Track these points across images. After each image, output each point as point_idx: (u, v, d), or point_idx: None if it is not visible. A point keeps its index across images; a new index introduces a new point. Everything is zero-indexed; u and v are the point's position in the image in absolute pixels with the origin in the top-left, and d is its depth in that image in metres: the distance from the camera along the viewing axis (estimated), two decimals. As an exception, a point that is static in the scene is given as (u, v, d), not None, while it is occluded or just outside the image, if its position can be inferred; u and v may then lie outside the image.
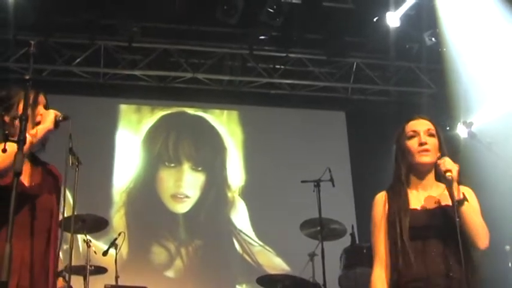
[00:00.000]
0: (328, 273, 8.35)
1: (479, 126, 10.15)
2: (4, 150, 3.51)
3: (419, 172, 4.06)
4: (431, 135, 4.06)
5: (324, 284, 8.31)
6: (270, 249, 11.93)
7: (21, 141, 3.32)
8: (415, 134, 4.06)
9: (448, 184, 3.80)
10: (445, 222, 3.82)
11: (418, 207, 3.95)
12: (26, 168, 3.84)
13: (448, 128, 11.05)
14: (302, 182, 9.07)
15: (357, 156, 12.57)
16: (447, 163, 3.85)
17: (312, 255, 8.75)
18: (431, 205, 3.95)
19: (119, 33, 11.50)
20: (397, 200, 3.99)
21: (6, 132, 3.60)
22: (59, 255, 4.02)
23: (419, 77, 12.66)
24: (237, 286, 11.54)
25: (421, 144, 4.00)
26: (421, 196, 4.01)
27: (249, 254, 11.89)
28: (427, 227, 3.85)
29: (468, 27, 10.38)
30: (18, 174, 3.19)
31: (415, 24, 11.21)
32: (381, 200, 4.10)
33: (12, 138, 3.52)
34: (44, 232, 3.88)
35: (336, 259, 8.75)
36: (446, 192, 3.91)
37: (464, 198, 3.78)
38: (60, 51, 11.87)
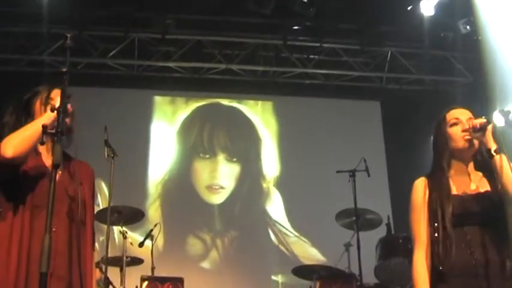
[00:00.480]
0: (364, 264, 8.31)
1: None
2: (42, 143, 3.54)
3: (461, 159, 4.05)
4: None
5: (360, 275, 8.28)
6: (306, 240, 11.92)
7: (58, 133, 3.34)
8: (458, 121, 4.06)
9: (481, 131, 3.88)
10: (485, 207, 3.81)
11: (460, 193, 3.94)
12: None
13: (483, 117, 10.94)
14: (337, 172, 9.05)
15: (392, 145, 12.50)
16: (478, 121, 3.95)
17: (347, 246, 8.72)
18: (471, 191, 3.94)
19: (153, 26, 11.56)
20: (438, 186, 3.97)
21: (44, 125, 3.60)
22: (94, 246, 4.06)
23: (454, 65, 12.54)
24: (272, 277, 11.54)
25: (464, 130, 4.00)
26: (462, 182, 3.99)
27: (284, 245, 11.89)
28: (469, 214, 3.83)
29: (503, 15, 10.27)
30: (56, 166, 3.22)
31: (450, 13, 11.12)
32: (421, 185, 4.07)
33: (50, 131, 3.53)
34: (77, 222, 3.89)
35: (371, 249, 8.70)
36: (486, 180, 3.92)
37: (499, 150, 3.81)
38: (95, 44, 11.95)
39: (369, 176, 8.87)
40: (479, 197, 3.89)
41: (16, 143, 3.65)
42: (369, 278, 8.56)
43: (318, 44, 12.22)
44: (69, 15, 10.98)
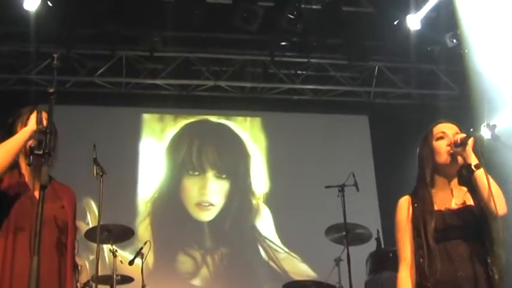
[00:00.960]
0: (355, 278, 8.32)
1: (502, 128, 10.08)
2: (29, 164, 3.55)
3: (444, 173, 4.06)
4: None
5: (351, 289, 8.30)
6: (296, 256, 11.91)
7: (46, 154, 3.34)
8: (444, 135, 4.08)
9: (462, 145, 3.89)
10: (467, 222, 3.84)
11: (442, 209, 3.95)
12: (35, 182, 3.91)
13: (471, 130, 10.97)
14: (326, 187, 9.08)
15: (381, 159, 12.52)
16: (459, 135, 3.97)
17: (337, 261, 8.73)
18: (454, 206, 3.96)
19: (140, 43, 11.57)
20: (422, 202, 3.99)
21: (32, 145, 3.61)
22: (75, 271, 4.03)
23: (441, 79, 12.60)
24: (263, 293, 11.54)
25: (448, 145, 4.01)
26: (444, 198, 4.01)
27: (274, 261, 11.88)
28: (451, 228, 3.85)
29: (489, 28, 10.32)
30: (44, 187, 3.21)
31: (436, 26, 11.18)
32: (404, 203, 4.10)
33: (37, 152, 3.53)
34: (59, 246, 3.88)
35: (361, 264, 8.72)
36: (469, 195, 3.94)
37: (479, 165, 3.82)
38: (82, 62, 11.96)
39: (357, 190, 8.90)
40: (461, 211, 3.91)
41: None
42: (360, 292, 8.58)
43: (306, 60, 12.24)
44: (56, 33, 10.96)
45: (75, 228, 4.09)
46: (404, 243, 3.99)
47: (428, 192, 4.01)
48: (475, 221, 3.79)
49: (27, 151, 3.76)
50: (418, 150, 4.23)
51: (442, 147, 4.03)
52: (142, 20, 11.10)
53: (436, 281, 3.76)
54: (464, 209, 3.92)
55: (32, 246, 3.10)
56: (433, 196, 4.01)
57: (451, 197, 4.00)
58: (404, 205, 4.10)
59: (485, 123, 10.02)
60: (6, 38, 11.32)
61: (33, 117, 3.86)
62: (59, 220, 3.88)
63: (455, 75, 12.32)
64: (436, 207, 3.95)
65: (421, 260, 3.85)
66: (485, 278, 3.72)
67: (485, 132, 9.86)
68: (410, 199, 4.09)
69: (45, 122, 3.72)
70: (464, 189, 4.03)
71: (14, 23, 10.69)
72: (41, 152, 3.43)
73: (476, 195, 3.87)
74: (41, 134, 3.62)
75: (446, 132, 4.09)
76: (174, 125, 12.68)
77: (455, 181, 4.07)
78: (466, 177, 4.01)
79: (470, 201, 3.93)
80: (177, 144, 12.50)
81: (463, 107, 11.47)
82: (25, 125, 3.94)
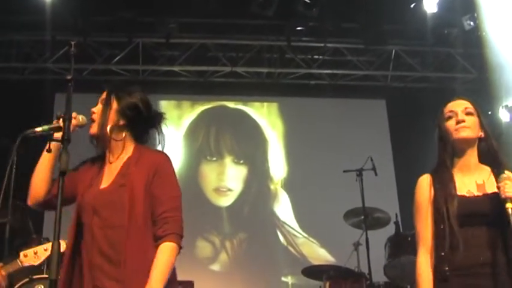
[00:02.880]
0: (373, 263, 8.32)
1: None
2: (49, 150, 3.57)
3: (461, 151, 3.96)
4: (469, 113, 3.98)
5: (369, 273, 8.28)
6: (314, 240, 11.92)
7: (65, 141, 3.35)
8: (453, 114, 3.99)
9: (507, 217, 3.63)
10: (492, 210, 3.72)
11: (465, 193, 3.84)
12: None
13: (489, 113, 10.95)
14: (344, 171, 9.06)
15: (399, 143, 12.49)
16: (508, 188, 3.69)
17: (356, 245, 8.73)
18: (478, 191, 3.85)
19: (157, 30, 11.57)
20: (443, 185, 3.87)
21: (52, 132, 3.61)
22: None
23: (459, 62, 12.52)
24: (282, 278, 11.55)
25: (458, 122, 3.93)
26: (467, 180, 3.91)
27: (293, 246, 11.90)
28: (474, 215, 3.74)
29: (506, 10, 10.26)
30: (63, 173, 3.21)
31: (453, 9, 11.11)
32: (425, 183, 3.98)
33: (56, 138, 3.54)
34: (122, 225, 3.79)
35: (380, 248, 8.69)
36: (493, 178, 3.85)
37: None
38: (99, 50, 11.98)
39: (376, 174, 8.88)
40: (484, 198, 3.81)
41: (29, 192, 3.81)
42: (379, 276, 8.57)
43: (322, 44, 12.20)
44: (73, 22, 10.99)
45: (157, 197, 3.96)
46: (424, 224, 3.88)
47: (450, 175, 3.91)
48: (498, 208, 3.67)
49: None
50: (436, 133, 4.14)
51: (451, 126, 3.96)
52: (158, 7, 11.11)
53: (457, 266, 3.69)
54: (487, 195, 3.81)
55: (55, 231, 3.10)
56: (455, 178, 3.91)
57: (474, 180, 3.90)
58: (425, 184, 3.97)
59: (503, 105, 9.98)
60: (23, 27, 11.34)
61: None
62: (117, 201, 3.74)
63: (473, 58, 12.26)
64: (458, 191, 3.84)
65: (443, 244, 3.74)
66: (505, 265, 3.66)
67: (503, 114, 9.82)
68: (431, 178, 3.97)
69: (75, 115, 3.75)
70: (486, 168, 3.95)
71: (30, 12, 10.73)
72: (59, 138, 3.44)
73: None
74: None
75: (454, 110, 4.00)
76: (191, 112, 12.70)
77: (475, 157, 3.98)
78: (487, 151, 3.96)
79: (493, 186, 3.80)
80: (194, 130, 12.52)
81: (481, 89, 11.43)
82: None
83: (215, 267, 11.61)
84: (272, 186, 12.27)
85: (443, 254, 3.75)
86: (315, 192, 11.90)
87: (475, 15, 10.97)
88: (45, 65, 11.78)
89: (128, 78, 12.31)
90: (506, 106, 10.07)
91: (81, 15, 11.00)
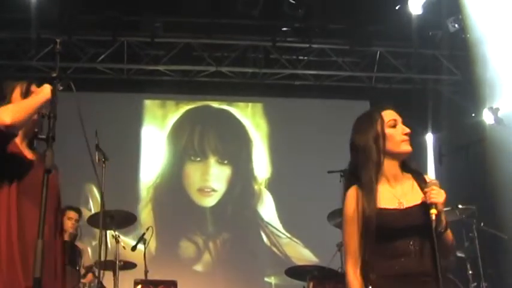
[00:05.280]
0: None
1: (505, 111, 10.10)
2: (34, 149, 3.55)
3: (394, 162, 3.89)
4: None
5: (353, 274, 8.30)
6: (298, 241, 11.95)
7: (50, 138, 3.34)
8: (396, 123, 3.92)
9: (431, 222, 3.64)
10: (419, 222, 3.69)
11: (392, 206, 3.79)
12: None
13: (473, 115, 11.00)
14: (329, 172, 9.05)
15: (382, 145, 12.51)
16: (434, 194, 3.70)
17: (339, 246, 8.73)
18: (406, 202, 3.79)
19: (141, 29, 11.54)
20: (369, 198, 3.77)
21: (36, 129, 3.62)
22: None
23: (443, 63, 12.57)
24: (265, 278, 11.57)
25: (406, 134, 3.87)
26: (395, 191, 3.85)
27: (276, 246, 11.92)
28: (401, 227, 3.70)
29: (491, 12, 10.30)
30: (49, 171, 3.21)
31: (438, 11, 11.14)
32: (352, 196, 3.87)
33: (40, 136, 3.54)
34: (52, 218, 3.82)
35: (364, 248, 8.70)
36: (416, 186, 3.84)
37: (447, 226, 3.71)
38: (84, 48, 11.94)
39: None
40: (412, 210, 3.76)
41: (15, 111, 3.68)
42: (362, 277, 8.58)
43: (307, 45, 12.19)
44: (57, 20, 10.96)
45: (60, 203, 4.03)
46: (351, 237, 3.81)
47: (375, 188, 3.80)
48: (425, 222, 3.64)
49: (29, 134, 3.77)
50: (355, 136, 4.09)
51: (396, 135, 3.87)
52: (143, 6, 11.10)
53: (384, 276, 3.68)
54: (415, 207, 3.77)
55: (38, 229, 3.08)
56: (381, 190, 3.82)
57: (400, 191, 3.84)
58: (352, 197, 3.87)
59: (487, 107, 10.01)
60: (7, 25, 11.29)
61: (47, 87, 3.86)
62: (54, 188, 3.82)
63: (457, 60, 12.31)
64: (384, 204, 3.78)
65: (370, 256, 3.72)
66: (433, 276, 3.64)
67: (487, 116, 9.85)
68: (357, 191, 3.86)
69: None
70: (410, 177, 3.91)
71: (14, 9, 10.68)
72: (45, 137, 3.43)
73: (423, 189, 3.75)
74: (43, 119, 3.63)
75: (396, 119, 3.94)
76: (175, 111, 12.70)
77: (398, 169, 3.91)
78: (409, 163, 3.93)
79: (418, 197, 3.78)
80: (178, 130, 12.53)
81: (466, 91, 11.49)
82: (24, 94, 3.96)
83: (198, 267, 11.62)
84: (256, 187, 12.28)
85: (369, 265, 3.73)
86: (299, 192, 11.92)
87: (460, 17, 11.01)
88: (30, 63, 11.72)
89: (113, 77, 12.30)
90: (491, 108, 10.10)
91: (66, 13, 10.96)
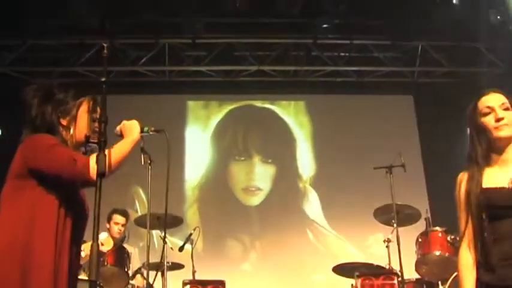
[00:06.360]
0: (405, 259, 8.28)
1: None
2: (85, 153, 3.59)
3: (498, 148, 3.87)
4: (506, 109, 3.86)
5: (401, 270, 8.25)
6: (344, 238, 11.90)
7: (102, 143, 3.38)
8: (490, 110, 3.87)
9: None
10: None
11: (498, 186, 3.76)
12: None
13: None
14: (375, 168, 9.00)
15: (427, 139, 12.44)
16: None
17: (387, 242, 8.69)
18: (507, 183, 3.75)
19: (182, 31, 11.61)
20: (472, 180, 3.83)
21: (88, 135, 3.64)
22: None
23: (486, 56, 12.44)
24: (313, 276, 11.54)
25: (498, 120, 3.81)
26: (502, 173, 3.82)
27: (323, 244, 11.90)
28: (506, 207, 3.68)
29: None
30: (102, 174, 3.24)
31: (480, 3, 11.04)
32: (459, 180, 3.95)
33: (92, 141, 3.57)
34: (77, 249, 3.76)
35: (411, 245, 8.65)
36: None
37: None
38: (126, 52, 12.05)
39: (405, 171, 8.82)
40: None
41: (112, 165, 3.57)
42: (410, 273, 8.53)
43: (348, 41, 12.17)
44: (99, 24, 11.07)
45: None
46: (461, 220, 3.88)
47: (478, 171, 3.84)
48: None
49: (81, 141, 3.76)
50: (468, 128, 4.06)
51: (489, 123, 3.84)
52: (183, 8, 11.15)
53: (491, 258, 3.66)
54: None
55: (94, 232, 3.10)
56: (487, 172, 3.83)
57: (508, 172, 3.80)
58: (459, 182, 3.95)
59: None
60: (50, 32, 11.42)
61: (136, 126, 4.04)
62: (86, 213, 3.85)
63: (501, 52, 12.18)
64: (490, 184, 3.77)
65: (477, 238, 3.73)
66: None
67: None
68: (465, 175, 3.93)
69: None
70: None
71: (57, 15, 10.81)
72: (96, 141, 3.47)
73: None
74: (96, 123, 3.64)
75: (491, 106, 3.87)
76: (218, 111, 12.75)
77: (510, 152, 3.88)
78: None
79: None
80: (222, 130, 12.58)
81: (509, 83, 11.36)
82: (91, 112, 3.89)
83: (246, 266, 11.65)
84: (301, 185, 12.27)
85: (479, 247, 3.73)
86: (344, 189, 11.89)
87: (502, 8, 10.90)
88: (73, 68, 11.81)
89: (155, 79, 12.39)
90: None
91: (107, 18, 11.06)
